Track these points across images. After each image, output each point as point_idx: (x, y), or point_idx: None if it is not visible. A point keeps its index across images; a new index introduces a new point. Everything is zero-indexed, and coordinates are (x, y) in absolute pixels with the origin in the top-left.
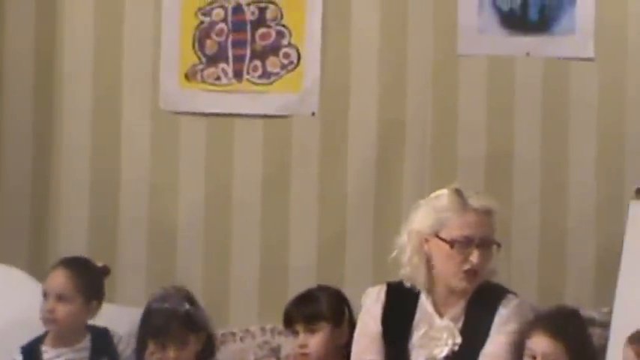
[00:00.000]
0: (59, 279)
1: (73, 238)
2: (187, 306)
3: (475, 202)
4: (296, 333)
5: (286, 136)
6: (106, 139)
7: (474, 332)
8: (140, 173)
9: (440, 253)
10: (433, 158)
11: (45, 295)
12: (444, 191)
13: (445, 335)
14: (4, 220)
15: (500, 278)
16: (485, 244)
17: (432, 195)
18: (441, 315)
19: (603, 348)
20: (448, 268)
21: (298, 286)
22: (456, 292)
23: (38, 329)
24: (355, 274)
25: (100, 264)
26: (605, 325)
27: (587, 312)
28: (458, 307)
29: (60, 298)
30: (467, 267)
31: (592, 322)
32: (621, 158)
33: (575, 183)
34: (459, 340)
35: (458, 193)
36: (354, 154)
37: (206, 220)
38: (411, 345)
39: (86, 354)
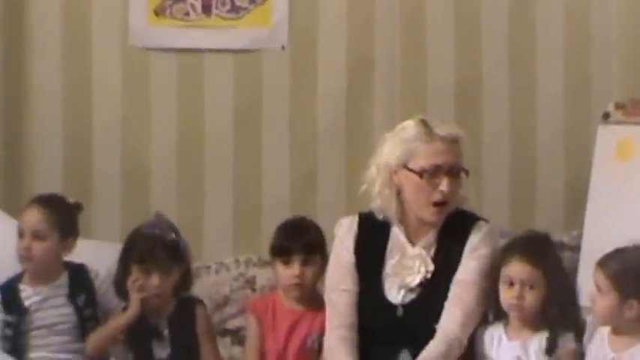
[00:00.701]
0: (34, 216)
1: (48, 177)
2: (173, 235)
3: (441, 130)
4: (287, 263)
5: (256, 70)
6: (77, 77)
7: (446, 259)
8: (112, 110)
9: (409, 184)
10: (402, 91)
11: (20, 233)
12: (410, 122)
13: (417, 263)
14: None
15: (472, 205)
16: (453, 171)
17: (398, 127)
18: (413, 244)
19: (574, 270)
20: (418, 199)
21: (272, 219)
22: (427, 223)
23: (15, 267)
24: (328, 208)
25: (72, 200)
26: (576, 248)
27: (558, 236)
28: (429, 236)
29: (36, 235)
30: (437, 198)
31: (562, 245)
32: (588, 83)
33: (543, 109)
34: (431, 267)
35: (423, 123)
36: (325, 87)
37: (179, 155)
38: (384, 274)
39: (64, 291)
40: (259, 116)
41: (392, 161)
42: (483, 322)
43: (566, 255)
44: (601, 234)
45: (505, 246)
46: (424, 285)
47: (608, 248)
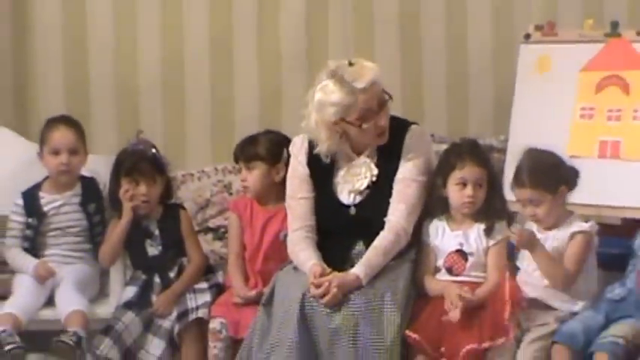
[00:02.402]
0: (69, 135)
1: (51, 101)
2: (154, 151)
3: (359, 83)
4: (239, 170)
5: (228, 0)
6: (73, 11)
7: (387, 162)
8: (104, 41)
9: (352, 130)
10: (353, 18)
11: (56, 151)
12: (329, 83)
13: (363, 170)
14: None
15: (415, 115)
16: (382, 104)
17: (319, 88)
18: (358, 154)
19: (501, 170)
20: (364, 138)
21: (243, 132)
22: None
23: (29, 179)
24: (292, 122)
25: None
26: (503, 151)
27: (488, 140)
28: (372, 146)
29: (72, 151)
30: (378, 131)
31: (492, 148)
32: (511, 8)
33: (473, 32)
34: (375, 171)
35: (341, 81)
36: (287, 16)
37: (163, 79)
38: (335, 182)
39: (77, 199)
40: (231, 42)
41: (329, 119)
42: (428, 215)
43: (495, 156)
44: (524, 137)
45: (451, 153)
46: (371, 187)
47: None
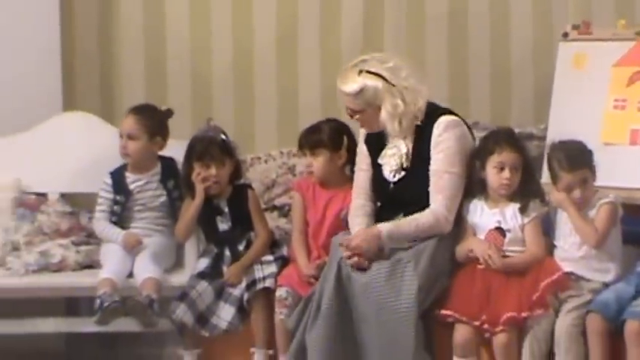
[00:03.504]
0: (129, 122)
1: (133, 90)
2: (223, 136)
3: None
4: (305, 156)
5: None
6: (153, 8)
7: (421, 145)
8: (181, 36)
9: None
10: (407, 16)
11: (120, 135)
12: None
13: (396, 150)
14: (81, 78)
15: (461, 105)
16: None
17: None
18: (398, 139)
19: (541, 156)
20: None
21: (306, 119)
22: None
23: (115, 161)
24: None
25: (163, 108)
26: (542, 138)
27: (529, 129)
28: (410, 132)
29: (130, 137)
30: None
31: (532, 136)
32: (549, 9)
33: (515, 31)
34: (404, 150)
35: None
36: (347, 12)
37: (234, 69)
38: (383, 161)
39: (158, 178)
40: (295, 38)
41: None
42: (468, 195)
43: (534, 144)
44: (562, 126)
45: (489, 139)
46: (408, 167)
47: (568, 136)
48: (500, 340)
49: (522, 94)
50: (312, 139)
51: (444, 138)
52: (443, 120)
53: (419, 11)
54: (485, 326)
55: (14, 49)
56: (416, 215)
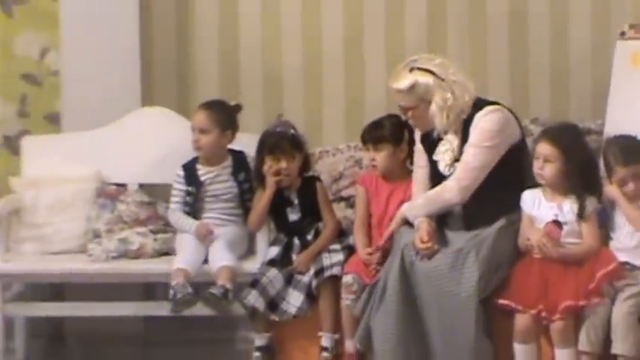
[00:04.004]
0: (200, 117)
1: (208, 86)
2: (292, 131)
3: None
4: (368, 150)
5: (360, 1)
6: (227, 9)
7: (467, 138)
8: (253, 34)
9: None
10: (469, 17)
11: (192, 129)
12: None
13: (448, 145)
14: (158, 75)
15: (522, 102)
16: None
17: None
18: (446, 132)
19: (598, 150)
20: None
21: (372, 115)
22: None
23: (191, 154)
24: None
25: (233, 103)
26: (600, 133)
27: (587, 124)
28: (458, 124)
29: (201, 130)
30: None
31: (590, 131)
32: (608, 8)
33: (574, 29)
34: (455, 144)
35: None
36: (411, 15)
37: (303, 67)
38: (438, 157)
39: (229, 170)
40: (362, 37)
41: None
42: (527, 186)
43: (592, 138)
44: (618, 121)
45: (540, 131)
46: (458, 161)
47: (624, 131)
48: (557, 327)
49: (580, 91)
50: (375, 135)
51: (482, 120)
52: (488, 108)
53: (480, 12)
54: (543, 314)
55: (96, 49)
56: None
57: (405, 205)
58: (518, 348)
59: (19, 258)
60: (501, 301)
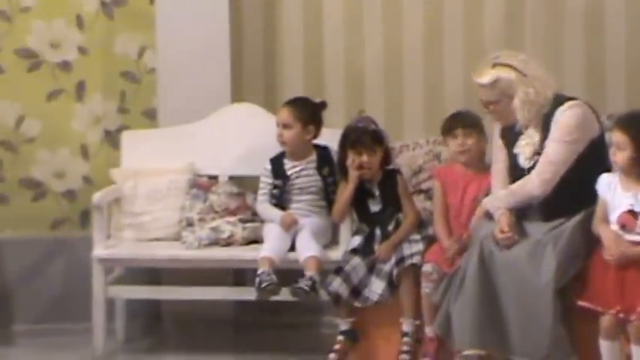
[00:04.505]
0: (284, 113)
1: (294, 83)
2: (374, 126)
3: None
4: (455, 137)
5: (440, 2)
6: (312, 10)
7: (548, 133)
8: (336, 32)
9: None
10: (547, 14)
11: (277, 125)
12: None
13: (529, 140)
14: (247, 73)
15: (597, 99)
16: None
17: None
18: (527, 126)
19: None
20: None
21: (450, 110)
22: None
23: (278, 148)
24: None
25: (317, 100)
26: None
27: None
28: (539, 118)
29: (284, 126)
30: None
31: None
32: None
33: None
34: (536, 138)
35: None
36: (489, 11)
37: (384, 64)
38: (518, 151)
39: (314, 164)
40: (441, 36)
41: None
42: (604, 171)
43: None
44: None
45: (615, 119)
46: (538, 154)
47: None
48: (635, 327)
49: None
50: (467, 120)
51: (563, 115)
52: (568, 103)
53: (558, 8)
54: (621, 315)
55: (190, 49)
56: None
57: (487, 198)
58: (604, 344)
59: (119, 244)
60: (581, 303)
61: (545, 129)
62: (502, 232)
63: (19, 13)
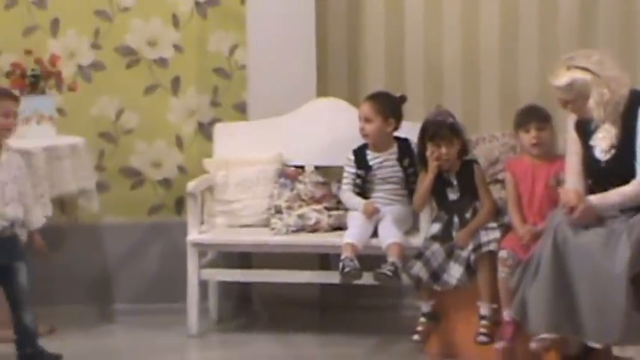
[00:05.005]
0: (365, 107)
1: (376, 78)
2: (451, 119)
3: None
4: (528, 131)
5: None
6: (393, 9)
7: (627, 127)
8: (416, 30)
9: None
10: (619, 11)
11: (359, 118)
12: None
13: (606, 134)
14: (332, 69)
15: None
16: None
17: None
18: (603, 122)
19: None
20: None
21: (525, 102)
22: None
23: (358, 140)
24: None
25: (397, 94)
26: None
27: None
28: (616, 114)
29: (366, 119)
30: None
31: None
32: None
33: None
34: (613, 132)
35: None
36: (562, 12)
37: (462, 60)
38: (594, 144)
39: (395, 156)
40: (516, 33)
41: None
42: None
43: None
44: None
45: None
46: (615, 148)
47: None
48: None
49: None
50: (541, 114)
51: None
52: None
53: (631, 6)
54: None
55: (278, 47)
56: (621, 188)
57: (594, 199)
58: None
59: (212, 230)
60: None
61: (624, 123)
62: (570, 202)
63: (119, 13)
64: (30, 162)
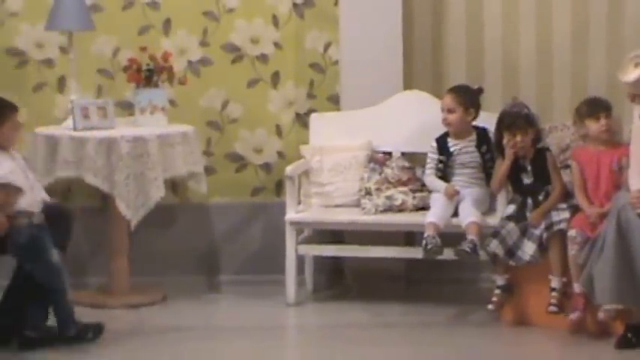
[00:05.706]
0: (447, 99)
1: (457, 71)
2: (526, 110)
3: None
4: (598, 119)
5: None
6: (474, 9)
7: None
8: (494, 27)
9: None
10: None
11: (442, 109)
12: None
13: None
14: (417, 64)
15: None
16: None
17: None
18: None
19: None
20: None
21: (593, 94)
22: None
23: (440, 129)
24: None
25: (476, 86)
26: None
27: None
28: None
29: (449, 110)
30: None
31: None
32: None
33: None
34: None
35: None
36: (631, 9)
37: (537, 55)
38: None
39: (473, 143)
40: (587, 30)
41: None
42: None
43: None
44: None
45: None
46: None
47: None
48: None
49: None
50: (607, 104)
51: None
52: None
53: None
54: None
55: (368, 44)
56: None
57: None
58: None
59: (308, 209)
60: None
61: None
62: (636, 194)
63: (225, 14)
64: (145, 148)
